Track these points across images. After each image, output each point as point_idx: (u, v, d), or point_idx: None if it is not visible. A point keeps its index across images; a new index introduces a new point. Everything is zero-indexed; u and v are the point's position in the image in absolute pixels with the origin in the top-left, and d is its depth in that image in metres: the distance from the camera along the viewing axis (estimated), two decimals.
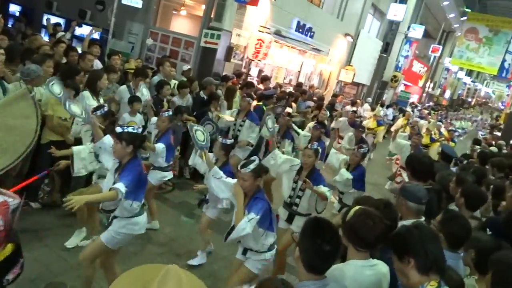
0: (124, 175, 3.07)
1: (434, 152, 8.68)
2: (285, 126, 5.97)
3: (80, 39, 8.53)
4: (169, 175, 4.96)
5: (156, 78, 6.64)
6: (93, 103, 4.77)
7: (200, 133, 4.08)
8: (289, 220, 4.27)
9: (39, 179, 4.33)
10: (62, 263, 3.95)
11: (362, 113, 14.49)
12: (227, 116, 6.60)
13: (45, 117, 4.55)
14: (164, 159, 4.75)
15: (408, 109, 19.41)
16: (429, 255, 1.81)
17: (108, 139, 3.45)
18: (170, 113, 4.89)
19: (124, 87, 5.88)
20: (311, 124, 7.47)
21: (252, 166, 3.18)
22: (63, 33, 7.45)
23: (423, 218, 2.97)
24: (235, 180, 3.45)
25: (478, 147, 10.69)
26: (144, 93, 5.94)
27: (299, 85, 12.23)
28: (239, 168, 3.22)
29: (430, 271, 1.81)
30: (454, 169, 6.17)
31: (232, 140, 4.37)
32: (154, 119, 5.28)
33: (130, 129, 3.18)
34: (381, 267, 2.27)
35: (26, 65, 4.46)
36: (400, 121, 13.25)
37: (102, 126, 4.11)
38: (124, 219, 3.24)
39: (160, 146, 4.65)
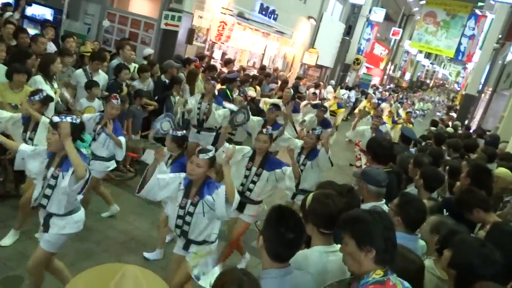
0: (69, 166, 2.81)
1: (397, 134, 8.85)
2: (272, 121, 5.50)
3: (32, 19, 8.05)
4: (112, 164, 4.57)
5: (115, 62, 6.39)
6: (46, 87, 4.52)
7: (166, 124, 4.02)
8: (240, 208, 3.98)
9: None
10: (17, 255, 3.79)
11: (325, 96, 14.68)
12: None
13: None
14: (107, 149, 4.41)
15: (370, 91, 19.82)
16: (389, 248, 1.78)
17: (24, 147, 3.13)
18: (119, 101, 4.48)
19: (80, 71, 5.62)
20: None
21: (210, 154, 3.09)
22: (11, 13, 6.99)
23: (383, 201, 3.04)
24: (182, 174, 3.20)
25: (434, 128, 11.08)
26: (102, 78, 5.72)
27: (262, 68, 12.17)
28: (196, 153, 3.08)
29: (386, 263, 1.78)
30: (413, 150, 6.35)
31: (184, 131, 4.11)
32: None
33: (68, 119, 2.87)
34: None
35: None
36: (363, 104, 13.45)
37: (38, 115, 3.90)
38: (63, 217, 3.01)
39: (122, 139, 4.35)
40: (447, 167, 4.64)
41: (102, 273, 1.23)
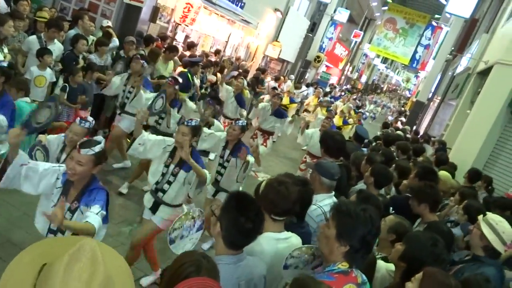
0: None
1: (346, 134, 9.05)
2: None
3: None
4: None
5: (73, 32, 6.07)
6: None
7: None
8: (154, 209, 3.55)
9: None
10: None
11: (284, 90, 14.82)
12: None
13: None
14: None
15: (327, 89, 20.26)
16: (363, 251, 1.87)
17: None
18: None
19: (34, 37, 5.29)
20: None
21: (96, 149, 2.47)
22: None
23: (333, 193, 3.13)
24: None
25: (387, 130, 11.54)
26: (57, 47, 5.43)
27: (217, 52, 12.03)
28: (77, 147, 2.46)
29: (353, 262, 1.87)
30: (365, 150, 6.58)
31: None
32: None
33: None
34: (294, 240, 2.33)
35: None
36: (311, 99, 13.44)
37: None
38: None
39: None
40: (395, 167, 4.84)
41: (59, 245, 1.19)
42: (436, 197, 3.42)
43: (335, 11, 22.20)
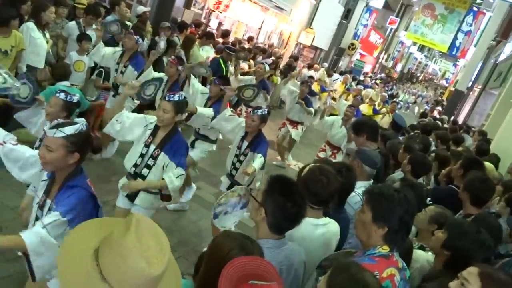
0: None
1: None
2: (216, 96, 4.50)
3: None
4: None
5: (110, 18, 6.17)
6: (38, 35, 4.34)
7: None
8: (132, 197, 3.22)
9: None
10: None
11: (316, 78, 14.58)
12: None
13: None
14: None
15: (361, 78, 19.83)
16: (402, 231, 1.82)
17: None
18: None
19: (73, 23, 5.42)
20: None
21: (67, 131, 2.00)
22: None
23: (371, 181, 3.06)
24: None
25: (425, 119, 11.19)
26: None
27: (250, 38, 11.97)
28: (44, 129, 2.12)
29: (393, 244, 1.83)
30: (401, 138, 6.40)
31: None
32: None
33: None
34: (332, 226, 2.31)
35: None
36: (338, 85, 13.04)
37: None
38: None
39: None
40: (435, 157, 4.68)
41: (107, 224, 1.25)
42: (485, 194, 3.19)
43: None
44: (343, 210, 2.57)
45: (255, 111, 3.76)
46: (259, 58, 10.13)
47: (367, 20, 23.01)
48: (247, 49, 9.97)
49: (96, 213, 2.09)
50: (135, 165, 3.08)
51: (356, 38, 22.38)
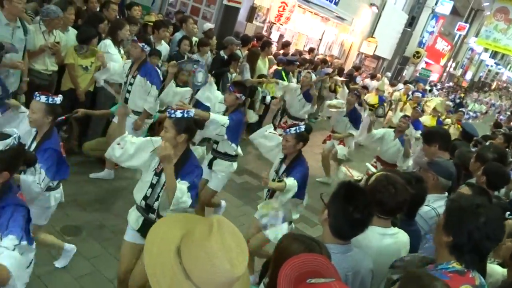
0: None
1: None
2: (233, 106, 3.92)
3: None
4: None
5: (178, 35, 6.51)
6: (114, 51, 4.68)
7: None
8: (144, 231, 2.65)
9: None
10: (76, 208, 4.01)
11: (374, 87, 14.17)
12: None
13: (66, 65, 4.54)
14: None
15: (427, 87, 19.00)
16: (470, 249, 1.70)
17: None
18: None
19: None
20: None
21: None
22: None
23: (446, 194, 2.90)
24: None
25: (501, 130, 10.42)
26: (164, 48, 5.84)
27: (311, 50, 11.95)
28: None
29: (461, 260, 1.72)
30: (473, 150, 6.02)
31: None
32: None
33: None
34: (402, 236, 2.23)
35: (45, 6, 4.39)
36: (399, 94, 12.32)
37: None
38: None
39: None
40: None
41: (189, 220, 1.32)
42: None
43: (436, 3, 20.71)
44: (414, 222, 2.47)
45: (289, 129, 3.25)
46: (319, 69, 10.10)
47: (433, 27, 22.10)
48: (308, 60, 9.98)
49: (28, 225, 1.94)
50: (145, 197, 2.63)
51: (422, 46, 21.54)
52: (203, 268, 1.17)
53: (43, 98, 2.65)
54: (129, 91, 4.32)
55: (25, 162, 2.07)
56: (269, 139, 3.68)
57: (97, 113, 4.41)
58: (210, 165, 4.03)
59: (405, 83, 16.42)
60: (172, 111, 2.52)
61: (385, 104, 10.79)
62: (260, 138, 3.74)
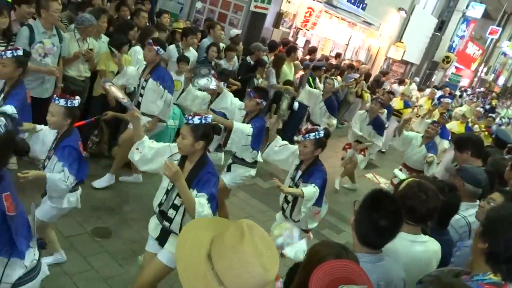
0: None
1: None
2: (254, 111, 3.88)
3: None
4: None
5: (206, 41, 6.60)
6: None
7: None
8: (162, 240, 2.66)
9: (88, 130, 4.48)
10: (106, 210, 4.11)
11: (398, 92, 13.87)
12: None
13: (98, 72, 4.68)
14: None
15: (457, 93, 18.50)
16: (507, 260, 1.64)
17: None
18: None
19: (173, 46, 5.88)
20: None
21: None
22: None
23: (477, 202, 2.82)
24: None
25: None
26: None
27: (338, 55, 11.87)
28: None
29: (497, 270, 1.66)
30: (507, 157, 5.82)
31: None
32: None
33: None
34: (432, 245, 2.18)
35: (80, 14, 4.54)
36: (424, 101, 11.77)
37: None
38: None
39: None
40: None
41: (218, 223, 1.33)
42: None
43: (467, 6, 20.22)
44: (446, 232, 2.42)
45: (308, 134, 3.14)
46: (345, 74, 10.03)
47: (464, 31, 21.57)
48: (335, 65, 9.93)
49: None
50: (160, 204, 2.60)
51: (452, 51, 21.05)
52: (237, 274, 1.18)
53: (62, 101, 2.70)
54: (141, 95, 4.27)
55: (16, 151, 1.89)
56: (281, 152, 3.59)
57: (126, 116, 4.49)
58: (228, 168, 4.04)
59: (435, 88, 16.06)
60: (190, 117, 2.48)
61: (412, 108, 10.54)
62: (272, 155, 3.64)
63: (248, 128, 3.70)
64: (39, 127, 2.88)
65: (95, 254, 3.46)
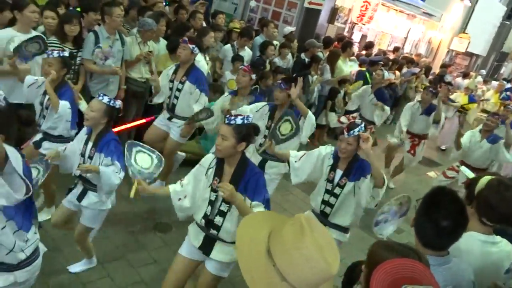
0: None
1: None
2: (284, 103, 3.74)
3: None
4: None
5: (259, 39, 6.63)
6: (200, 58, 4.89)
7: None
8: (207, 249, 2.52)
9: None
10: (167, 206, 4.23)
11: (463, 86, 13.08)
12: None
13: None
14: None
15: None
16: None
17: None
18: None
19: (228, 46, 5.97)
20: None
21: None
22: None
23: None
24: None
25: None
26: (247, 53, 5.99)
27: (396, 49, 11.40)
28: None
29: None
30: None
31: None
32: None
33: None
34: (505, 245, 2.04)
35: (141, 19, 4.73)
36: (490, 95, 10.91)
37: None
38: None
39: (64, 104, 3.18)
40: None
41: (273, 218, 1.33)
42: None
43: None
44: None
45: (352, 131, 2.85)
46: (404, 70, 9.61)
47: None
48: (392, 59, 9.56)
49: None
50: (205, 216, 2.46)
51: None
52: (301, 269, 1.17)
53: (105, 99, 2.71)
54: (176, 97, 4.05)
55: (21, 121, 1.81)
56: (305, 165, 3.17)
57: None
58: (261, 167, 3.71)
59: (504, 81, 15.00)
60: (232, 118, 2.33)
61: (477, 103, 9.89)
62: (301, 175, 3.20)
63: (313, 119, 3.65)
64: (61, 148, 2.82)
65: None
